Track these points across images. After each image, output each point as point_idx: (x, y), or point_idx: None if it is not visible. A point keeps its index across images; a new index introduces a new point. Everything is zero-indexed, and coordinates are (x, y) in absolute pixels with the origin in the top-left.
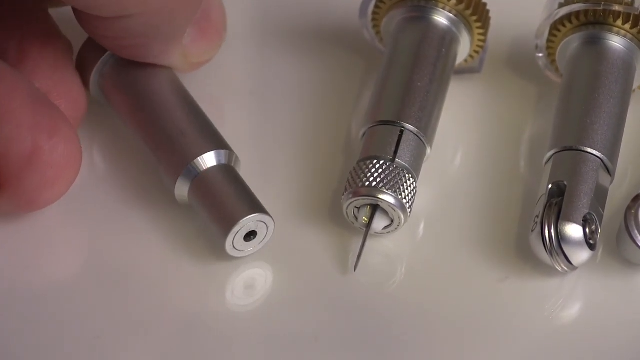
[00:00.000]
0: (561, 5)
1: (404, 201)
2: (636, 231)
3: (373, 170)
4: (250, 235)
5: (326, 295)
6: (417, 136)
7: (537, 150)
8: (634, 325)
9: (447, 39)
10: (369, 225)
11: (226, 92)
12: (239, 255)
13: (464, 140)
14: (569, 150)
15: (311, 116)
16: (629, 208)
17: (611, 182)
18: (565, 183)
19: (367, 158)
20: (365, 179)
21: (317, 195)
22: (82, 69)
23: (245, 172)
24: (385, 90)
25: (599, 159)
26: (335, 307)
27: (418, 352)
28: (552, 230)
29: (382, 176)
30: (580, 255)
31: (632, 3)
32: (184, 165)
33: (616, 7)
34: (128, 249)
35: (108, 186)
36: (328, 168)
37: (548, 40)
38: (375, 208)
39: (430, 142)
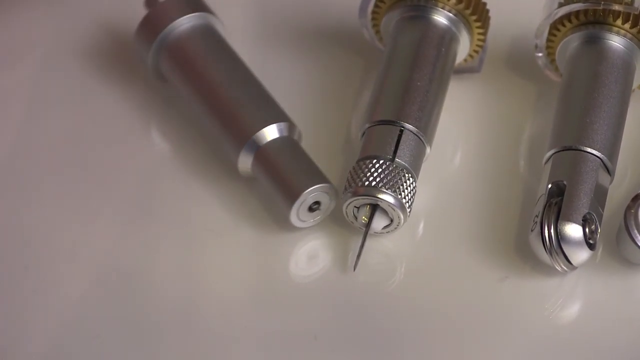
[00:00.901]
0: (561, 5)
1: (404, 201)
2: (636, 231)
3: (372, 169)
4: (314, 206)
5: (325, 294)
6: (417, 136)
7: (537, 149)
8: (633, 324)
9: (447, 38)
10: (368, 224)
11: None
12: (303, 226)
13: (464, 139)
14: (568, 150)
15: (311, 115)
16: (628, 208)
17: (611, 182)
18: (565, 183)
19: (367, 157)
20: (364, 178)
21: None
22: (140, 49)
23: None
24: (384, 89)
25: (598, 159)
26: (335, 306)
27: (418, 351)
28: (552, 230)
29: (381, 176)
30: (580, 255)
31: (632, 2)
32: (247, 139)
33: (616, 7)
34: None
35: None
36: (327, 167)
37: (548, 40)
38: (374, 208)
39: (430, 142)
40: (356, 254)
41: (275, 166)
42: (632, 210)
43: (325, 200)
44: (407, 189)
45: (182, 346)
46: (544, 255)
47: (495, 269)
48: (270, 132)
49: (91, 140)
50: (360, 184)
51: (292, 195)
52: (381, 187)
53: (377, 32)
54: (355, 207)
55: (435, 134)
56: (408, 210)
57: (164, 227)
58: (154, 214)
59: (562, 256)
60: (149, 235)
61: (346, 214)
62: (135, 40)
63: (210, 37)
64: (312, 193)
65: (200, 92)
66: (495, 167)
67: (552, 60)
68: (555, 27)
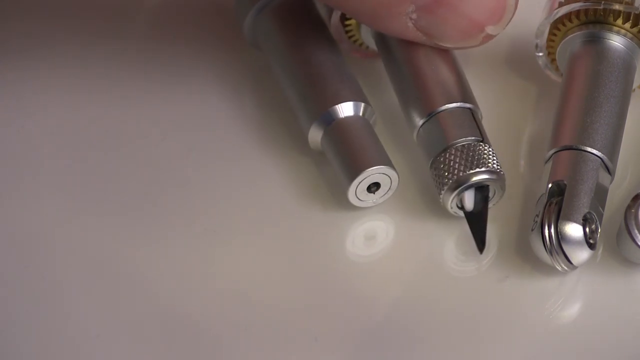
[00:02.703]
0: (561, 4)
1: (499, 170)
2: (636, 230)
3: (456, 157)
4: (374, 187)
5: (325, 295)
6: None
7: (537, 149)
8: (633, 324)
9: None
10: (486, 203)
11: None
12: (360, 205)
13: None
14: (569, 149)
15: None
16: (629, 207)
17: (611, 182)
18: (565, 182)
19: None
20: (460, 167)
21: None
22: (239, 15)
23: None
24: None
25: (599, 159)
26: (335, 307)
27: (418, 351)
28: (552, 230)
29: (470, 158)
30: (580, 255)
31: (632, 2)
32: (323, 110)
33: (616, 6)
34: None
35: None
36: None
37: (548, 40)
38: (482, 188)
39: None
40: (474, 239)
41: (343, 142)
42: (633, 210)
43: (385, 182)
44: (492, 157)
45: (179, 346)
46: (544, 255)
47: (495, 269)
48: (346, 109)
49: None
50: (460, 173)
51: (353, 172)
52: (475, 168)
53: (553, 60)
54: (457, 197)
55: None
56: (503, 175)
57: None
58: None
59: (562, 256)
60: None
61: (450, 207)
62: (235, 5)
63: (307, 11)
64: (372, 173)
65: (288, 61)
66: None
67: (553, 60)
68: (556, 26)
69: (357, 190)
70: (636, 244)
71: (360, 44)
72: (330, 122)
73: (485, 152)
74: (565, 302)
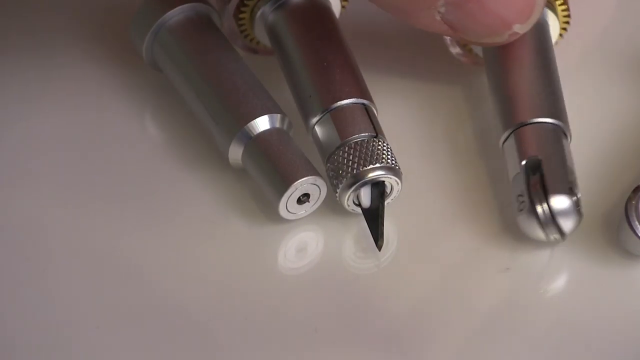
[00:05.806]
0: None
1: (394, 166)
2: (636, 222)
3: (354, 153)
4: (303, 198)
5: (326, 287)
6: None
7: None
8: (634, 316)
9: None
10: (382, 200)
11: None
12: (291, 218)
13: (463, 131)
14: (527, 125)
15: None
16: (629, 199)
17: (569, 142)
18: (539, 157)
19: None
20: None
21: None
22: (136, 36)
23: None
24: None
25: (559, 127)
26: (336, 299)
27: (419, 343)
28: (545, 205)
29: (365, 154)
30: (572, 224)
31: None
32: (239, 129)
33: None
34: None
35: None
36: None
37: None
38: (379, 184)
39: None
40: (372, 236)
41: (265, 158)
42: (633, 202)
43: (314, 192)
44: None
45: (179, 338)
46: (538, 232)
47: (496, 260)
48: (262, 124)
49: (85, 129)
50: (355, 170)
51: (281, 187)
52: (366, 165)
53: None
54: (354, 194)
55: (432, 130)
56: (399, 169)
57: (156, 217)
58: (147, 204)
59: (555, 228)
60: (141, 225)
61: (347, 204)
62: (130, 30)
63: (204, 28)
64: (301, 185)
65: (192, 83)
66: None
67: (464, 46)
68: None
69: (287, 204)
70: (636, 235)
71: (252, 40)
72: (248, 139)
73: (380, 147)
74: (566, 294)
